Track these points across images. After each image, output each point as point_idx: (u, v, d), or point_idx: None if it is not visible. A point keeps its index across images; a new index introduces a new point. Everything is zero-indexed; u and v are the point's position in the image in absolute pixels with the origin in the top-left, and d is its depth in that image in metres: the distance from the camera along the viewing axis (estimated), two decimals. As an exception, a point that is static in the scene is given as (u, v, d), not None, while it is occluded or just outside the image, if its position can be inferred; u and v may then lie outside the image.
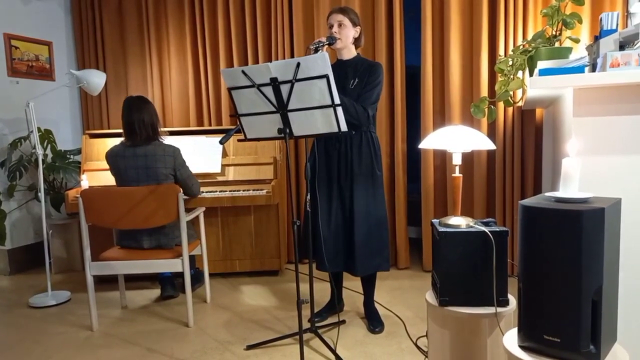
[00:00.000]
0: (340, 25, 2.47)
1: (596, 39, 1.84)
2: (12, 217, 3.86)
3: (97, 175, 3.42)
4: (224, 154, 3.51)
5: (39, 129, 3.65)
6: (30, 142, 3.62)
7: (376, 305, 2.75)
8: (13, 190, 3.74)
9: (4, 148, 3.82)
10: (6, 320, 2.90)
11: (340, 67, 2.52)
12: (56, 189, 3.91)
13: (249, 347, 2.41)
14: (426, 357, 2.26)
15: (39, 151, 3.22)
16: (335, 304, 2.76)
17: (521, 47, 2.58)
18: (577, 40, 2.57)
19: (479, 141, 1.92)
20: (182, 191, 2.62)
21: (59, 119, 4.28)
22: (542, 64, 2.09)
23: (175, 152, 2.72)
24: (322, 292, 3.12)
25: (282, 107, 2.02)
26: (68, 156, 3.94)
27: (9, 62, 3.87)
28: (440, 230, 1.79)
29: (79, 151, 3.96)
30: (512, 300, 1.80)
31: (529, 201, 1.33)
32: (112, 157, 2.71)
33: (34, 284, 3.60)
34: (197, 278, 3.33)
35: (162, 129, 2.83)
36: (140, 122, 2.67)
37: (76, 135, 4.43)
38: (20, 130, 3.89)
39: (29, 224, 4.02)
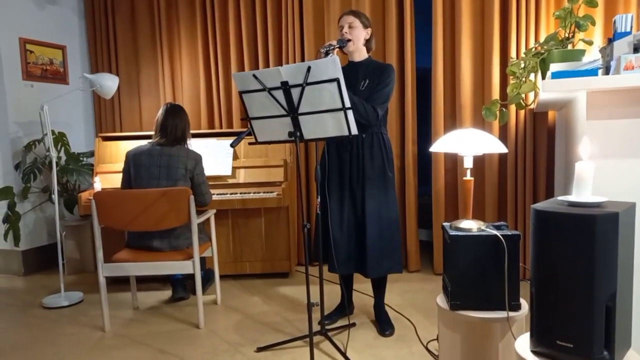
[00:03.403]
0: (350, 26, 2.48)
1: (610, 41, 1.82)
2: (26, 218, 3.92)
3: (110, 178, 3.46)
4: (235, 157, 3.53)
5: (52, 132, 3.69)
6: (45, 144, 3.68)
7: (386, 308, 2.74)
8: (27, 192, 3.79)
9: (18, 150, 3.87)
10: (20, 321, 2.94)
11: (351, 68, 2.52)
12: (69, 191, 3.95)
13: (260, 349, 2.42)
14: (437, 361, 2.25)
15: (53, 154, 3.27)
16: (345, 307, 2.76)
17: (533, 49, 2.56)
18: (590, 43, 2.54)
19: (490, 144, 1.91)
20: (193, 194, 2.64)
21: (73, 122, 4.34)
22: (554, 67, 2.07)
23: (197, 157, 2.84)
24: (333, 294, 3.12)
25: (292, 111, 2.03)
26: (81, 159, 3.98)
27: (24, 65, 3.93)
28: (451, 233, 1.78)
29: (92, 154, 4.00)
30: (524, 305, 1.79)
31: (542, 205, 1.32)
32: (137, 154, 2.79)
33: (47, 284, 3.64)
34: (207, 280, 3.35)
35: (190, 133, 2.95)
36: (173, 126, 2.83)
37: (89, 138, 4.49)
38: (34, 133, 3.94)
39: (42, 226, 4.07)
